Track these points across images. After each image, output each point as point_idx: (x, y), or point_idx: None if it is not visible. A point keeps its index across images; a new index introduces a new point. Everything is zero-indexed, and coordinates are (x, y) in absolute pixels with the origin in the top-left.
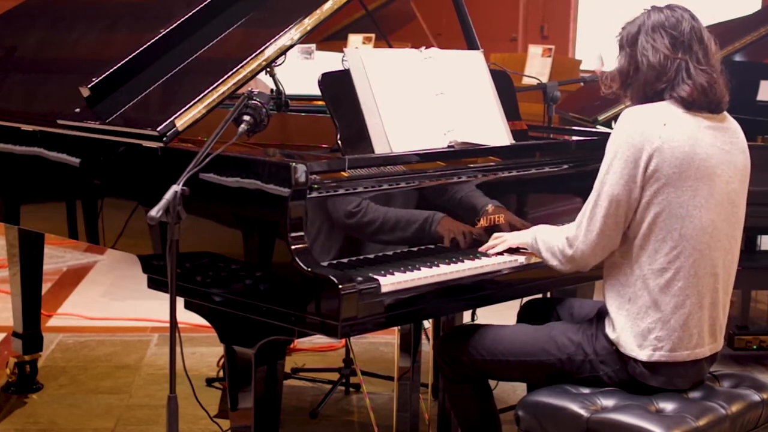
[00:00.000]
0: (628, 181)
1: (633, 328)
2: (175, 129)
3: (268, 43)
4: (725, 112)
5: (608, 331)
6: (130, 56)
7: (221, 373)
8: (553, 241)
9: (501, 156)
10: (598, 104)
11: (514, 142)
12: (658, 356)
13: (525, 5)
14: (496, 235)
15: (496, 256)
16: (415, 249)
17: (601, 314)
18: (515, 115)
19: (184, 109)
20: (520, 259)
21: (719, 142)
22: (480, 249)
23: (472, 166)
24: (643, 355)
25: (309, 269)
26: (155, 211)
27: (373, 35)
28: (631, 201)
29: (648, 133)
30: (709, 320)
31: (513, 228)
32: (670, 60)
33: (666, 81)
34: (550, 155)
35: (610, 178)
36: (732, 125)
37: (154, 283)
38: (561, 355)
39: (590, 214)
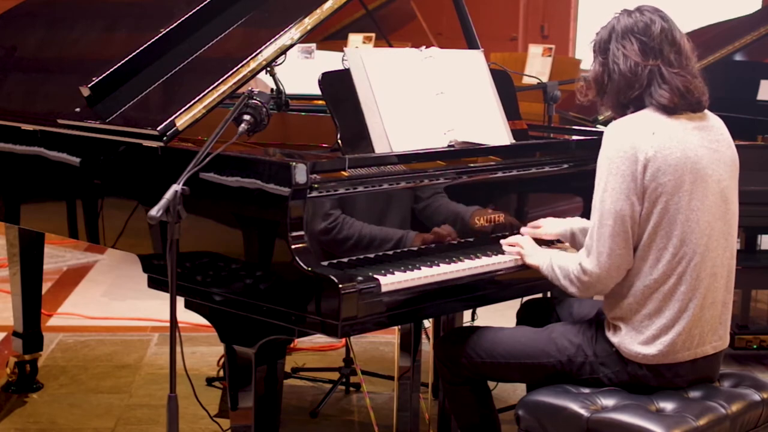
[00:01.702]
0: (629, 195)
1: (636, 336)
2: (175, 128)
3: (268, 43)
4: (706, 110)
5: (609, 334)
6: (131, 56)
7: (221, 373)
8: (569, 267)
9: (501, 156)
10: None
11: (514, 141)
12: (660, 359)
13: (525, 5)
14: (517, 239)
15: (497, 255)
16: (415, 248)
17: (601, 315)
18: (515, 115)
19: (184, 108)
20: (520, 260)
21: (706, 142)
22: (502, 241)
23: (472, 165)
24: (645, 359)
25: (309, 269)
26: (155, 211)
27: (373, 35)
28: (634, 214)
29: (639, 144)
30: (711, 320)
31: (512, 227)
32: (641, 67)
33: (638, 88)
34: (550, 155)
35: (609, 195)
36: (715, 122)
37: (155, 283)
38: (561, 357)
39: (597, 236)
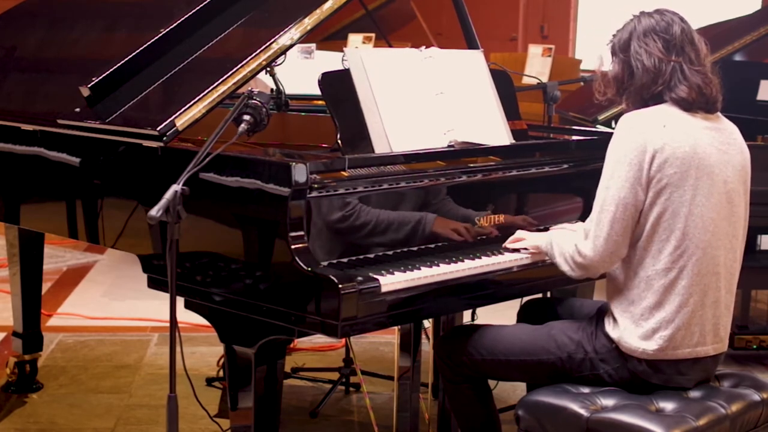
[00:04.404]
0: (634, 184)
1: (636, 329)
2: (175, 128)
3: (268, 43)
4: (720, 114)
5: (609, 329)
6: (130, 56)
7: (221, 373)
8: (565, 247)
9: (501, 156)
10: (598, 104)
11: (514, 141)
12: (660, 354)
13: (525, 5)
14: (518, 233)
15: (497, 255)
16: (414, 248)
17: (601, 312)
18: (515, 115)
19: (184, 108)
20: (520, 259)
21: (716, 143)
22: (504, 244)
23: (472, 165)
24: (644, 353)
25: (309, 269)
26: (155, 211)
27: (373, 35)
28: (637, 203)
29: (649, 135)
30: (712, 319)
31: (512, 227)
32: (665, 63)
33: (662, 83)
34: (550, 155)
35: (614, 182)
36: (728, 126)
37: (154, 283)
38: (561, 353)
39: (597, 220)
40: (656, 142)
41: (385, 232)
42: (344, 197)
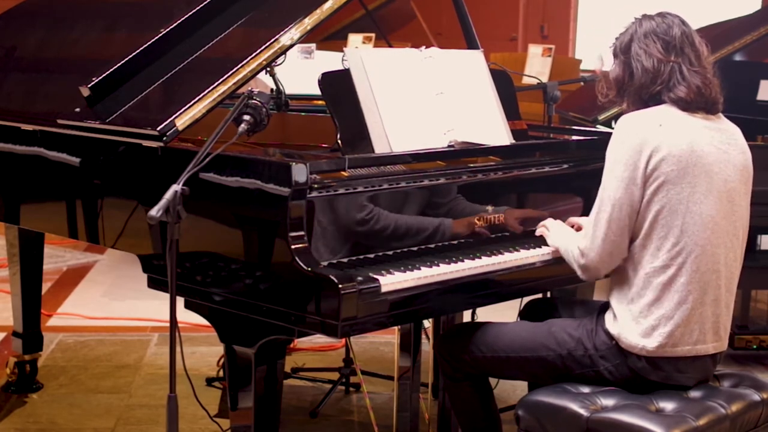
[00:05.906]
0: (629, 184)
1: (636, 326)
2: (175, 128)
3: (268, 43)
4: (721, 115)
5: (609, 326)
6: (131, 56)
7: (221, 373)
8: (572, 249)
9: (501, 156)
10: (598, 104)
11: (514, 141)
12: (660, 351)
13: (525, 5)
14: (545, 222)
15: (497, 255)
16: (415, 248)
17: (602, 310)
18: (515, 115)
19: (184, 108)
20: (521, 259)
21: (716, 142)
22: (537, 232)
23: (472, 165)
24: (644, 350)
25: (309, 269)
26: (155, 211)
27: (373, 35)
28: (633, 203)
29: (646, 135)
30: (712, 317)
31: (513, 227)
32: (663, 63)
33: (661, 83)
34: (550, 155)
35: (611, 183)
36: (729, 127)
37: (154, 283)
38: (561, 350)
39: (595, 221)
40: (653, 141)
41: (402, 238)
42: (362, 201)
